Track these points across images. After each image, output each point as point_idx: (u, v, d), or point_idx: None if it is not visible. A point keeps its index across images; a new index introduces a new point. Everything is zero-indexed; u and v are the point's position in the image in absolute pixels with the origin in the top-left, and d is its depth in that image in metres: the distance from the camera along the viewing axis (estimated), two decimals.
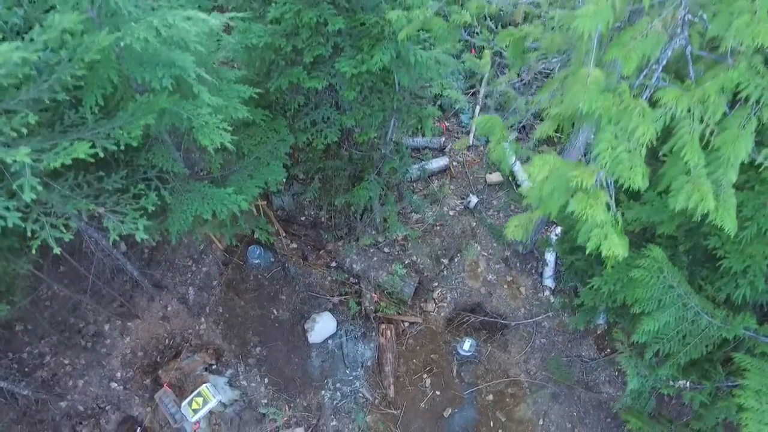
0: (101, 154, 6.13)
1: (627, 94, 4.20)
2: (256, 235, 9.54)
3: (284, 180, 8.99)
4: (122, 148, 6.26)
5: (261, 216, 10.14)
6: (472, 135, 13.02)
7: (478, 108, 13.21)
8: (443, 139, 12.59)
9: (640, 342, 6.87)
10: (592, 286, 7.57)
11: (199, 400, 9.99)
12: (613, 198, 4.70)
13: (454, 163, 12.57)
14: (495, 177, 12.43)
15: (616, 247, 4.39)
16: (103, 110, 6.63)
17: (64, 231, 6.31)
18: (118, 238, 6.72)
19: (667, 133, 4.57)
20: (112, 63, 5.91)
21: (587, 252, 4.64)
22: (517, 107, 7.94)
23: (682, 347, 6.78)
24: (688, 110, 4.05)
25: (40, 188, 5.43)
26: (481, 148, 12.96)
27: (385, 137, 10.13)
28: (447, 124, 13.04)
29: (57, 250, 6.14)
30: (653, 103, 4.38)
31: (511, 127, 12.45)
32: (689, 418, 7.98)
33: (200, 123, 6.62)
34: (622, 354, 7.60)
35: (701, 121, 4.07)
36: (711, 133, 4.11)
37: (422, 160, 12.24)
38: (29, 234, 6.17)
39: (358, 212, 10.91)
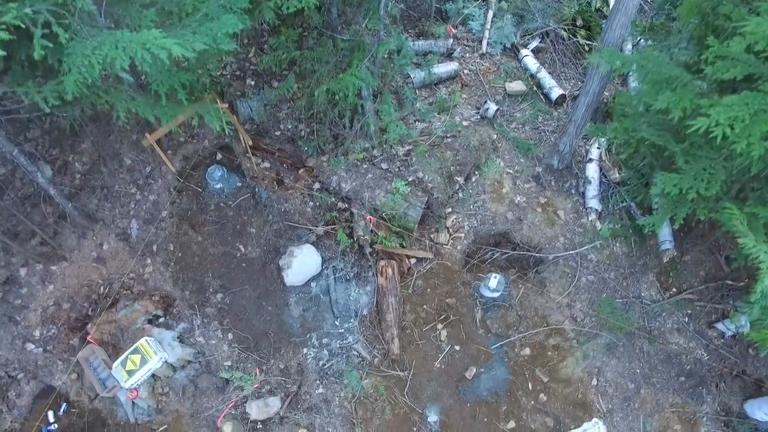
0: None
1: None
2: (207, 122, 6.98)
3: (239, 33, 6.61)
4: None
5: (216, 104, 7.64)
6: (485, 42, 10.69)
7: (491, 13, 10.92)
8: (450, 41, 10.25)
9: None
10: (697, 129, 5.03)
11: (136, 358, 7.43)
12: None
13: (466, 71, 10.21)
14: (516, 86, 10.04)
15: None
16: None
17: None
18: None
19: None
20: None
21: None
22: None
23: None
24: None
25: None
26: (497, 56, 10.61)
27: (378, 8, 7.79)
28: (455, 32, 10.73)
29: None
30: None
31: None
32: None
33: None
34: (744, 240, 5.06)
35: None
36: None
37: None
38: None
39: (346, 116, 8.50)
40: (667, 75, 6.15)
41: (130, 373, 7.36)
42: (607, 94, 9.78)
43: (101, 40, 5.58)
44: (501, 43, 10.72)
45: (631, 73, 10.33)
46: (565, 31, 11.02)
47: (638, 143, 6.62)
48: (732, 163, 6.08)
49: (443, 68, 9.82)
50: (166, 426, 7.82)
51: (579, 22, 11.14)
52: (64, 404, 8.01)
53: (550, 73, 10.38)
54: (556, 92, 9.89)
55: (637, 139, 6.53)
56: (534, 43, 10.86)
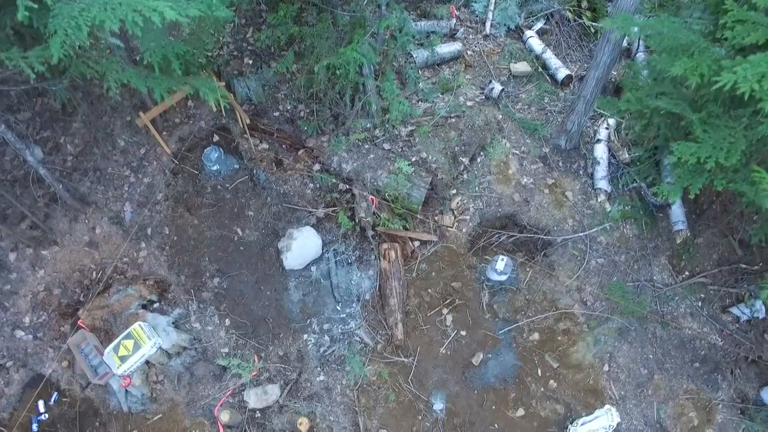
0: None
1: None
2: (202, 95, 6.66)
3: (237, 9, 6.36)
4: None
5: (213, 78, 7.34)
6: (488, 24, 10.44)
7: None
8: (453, 21, 9.99)
9: None
10: (721, 87, 4.74)
11: (129, 344, 7.12)
12: None
13: (469, 52, 9.94)
14: (521, 67, 9.78)
15: None
16: None
17: None
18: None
19: None
20: None
21: None
22: None
23: None
24: None
25: None
26: (501, 38, 10.34)
27: None
28: (457, 13, 10.47)
29: None
30: None
31: None
32: None
33: None
34: None
35: None
36: None
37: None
38: None
39: (346, 95, 8.22)
40: (683, 41, 5.88)
41: (123, 359, 7.05)
42: (614, 73, 9.52)
43: (89, 2, 5.31)
44: (505, 24, 10.46)
45: (641, 47, 10.05)
46: (570, 12, 10.76)
47: (652, 113, 6.34)
48: (753, 132, 5.82)
49: (446, 48, 9.56)
50: (161, 415, 7.51)
51: (584, 4, 10.88)
52: (55, 393, 7.69)
53: (555, 54, 10.12)
54: (562, 72, 9.63)
55: (651, 109, 6.25)
56: (538, 25, 10.60)
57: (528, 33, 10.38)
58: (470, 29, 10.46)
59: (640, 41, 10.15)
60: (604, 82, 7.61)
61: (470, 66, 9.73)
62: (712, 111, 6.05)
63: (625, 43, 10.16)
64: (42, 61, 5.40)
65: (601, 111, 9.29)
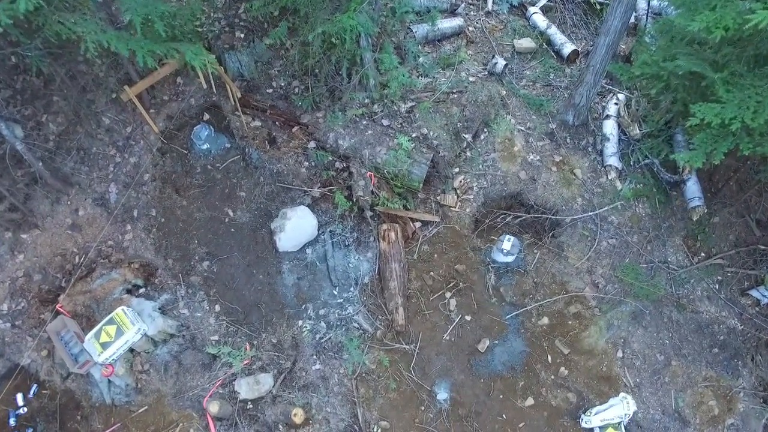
0: None
1: None
2: (188, 60, 6.25)
3: None
4: None
5: (203, 48, 6.89)
6: (490, 0, 10.04)
7: None
8: None
9: None
10: (756, 24, 4.30)
11: (111, 329, 6.67)
12: None
13: (471, 28, 9.54)
14: (525, 43, 9.37)
15: None
16: None
17: None
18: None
19: None
20: None
21: None
22: None
23: None
24: None
25: None
26: (503, 15, 9.95)
27: None
28: None
29: None
30: None
31: None
32: None
33: None
34: None
35: None
36: None
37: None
38: None
39: (343, 67, 7.79)
40: None
41: (105, 345, 6.60)
42: (623, 46, 9.13)
43: None
44: (507, 1, 10.07)
45: (648, 22, 9.62)
46: None
47: (669, 76, 5.92)
48: None
49: (447, 24, 9.16)
50: (146, 407, 7.03)
51: None
52: (35, 385, 7.21)
53: (561, 31, 9.72)
54: (568, 48, 9.23)
55: (668, 71, 5.83)
56: (542, 1, 10.20)
57: (531, 9, 9.99)
58: (471, 5, 10.06)
59: (648, 17, 9.77)
60: (614, 50, 7.19)
61: (472, 42, 9.33)
62: (735, 70, 5.65)
63: (632, 19, 9.79)
64: (10, 14, 4.99)
65: (610, 87, 8.89)
